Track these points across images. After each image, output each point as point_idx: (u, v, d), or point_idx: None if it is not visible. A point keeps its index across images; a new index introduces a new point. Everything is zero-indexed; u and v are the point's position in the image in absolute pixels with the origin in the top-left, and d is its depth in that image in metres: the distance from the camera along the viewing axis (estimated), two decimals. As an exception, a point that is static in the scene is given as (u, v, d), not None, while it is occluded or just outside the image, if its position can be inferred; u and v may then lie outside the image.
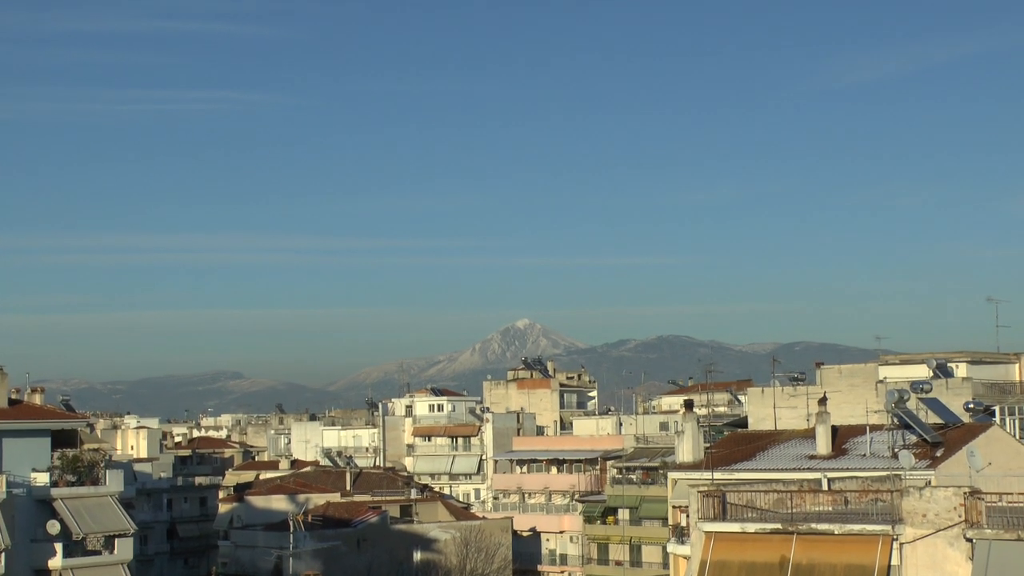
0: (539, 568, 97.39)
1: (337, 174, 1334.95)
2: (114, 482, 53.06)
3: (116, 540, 51.70)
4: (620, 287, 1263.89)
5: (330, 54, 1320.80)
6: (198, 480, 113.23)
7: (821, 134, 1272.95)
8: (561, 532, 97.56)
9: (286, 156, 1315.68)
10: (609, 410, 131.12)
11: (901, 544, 31.79)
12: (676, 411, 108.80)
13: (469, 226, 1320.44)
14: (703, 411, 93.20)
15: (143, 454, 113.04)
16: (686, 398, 69.55)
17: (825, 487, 39.39)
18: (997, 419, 52.42)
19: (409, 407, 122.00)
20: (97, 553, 51.28)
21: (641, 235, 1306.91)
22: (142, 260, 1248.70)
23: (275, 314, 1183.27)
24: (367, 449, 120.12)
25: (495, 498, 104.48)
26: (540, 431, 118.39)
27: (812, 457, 47.32)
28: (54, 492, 50.74)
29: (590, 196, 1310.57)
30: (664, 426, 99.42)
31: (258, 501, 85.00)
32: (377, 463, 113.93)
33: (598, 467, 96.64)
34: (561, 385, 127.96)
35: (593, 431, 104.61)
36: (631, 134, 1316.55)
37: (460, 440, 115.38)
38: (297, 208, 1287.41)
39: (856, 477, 42.08)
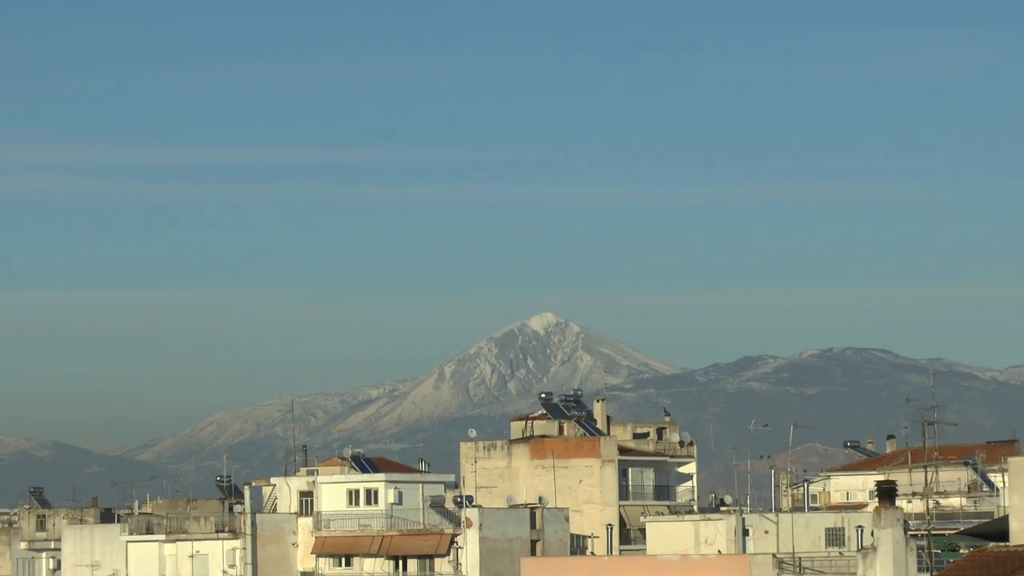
0: None
1: (171, 30, 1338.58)
2: None
3: None
4: (740, 252, 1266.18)
5: None
6: None
7: None
8: None
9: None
10: (721, 501, 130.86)
11: None
12: (861, 505, 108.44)
13: (435, 133, 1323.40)
14: (917, 505, 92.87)
15: None
16: (881, 478, 69.54)
17: None
18: None
19: (306, 496, 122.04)
20: None
21: (779, 145, 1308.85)
22: None
23: (30, 299, 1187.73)
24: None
25: None
26: (579, 545, 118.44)
27: None
28: None
29: (673, 72, 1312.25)
30: (835, 536, 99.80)
31: None
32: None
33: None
34: (622, 451, 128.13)
35: (689, 546, 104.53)
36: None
37: (412, 564, 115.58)
38: (89, 91, 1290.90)
39: None
